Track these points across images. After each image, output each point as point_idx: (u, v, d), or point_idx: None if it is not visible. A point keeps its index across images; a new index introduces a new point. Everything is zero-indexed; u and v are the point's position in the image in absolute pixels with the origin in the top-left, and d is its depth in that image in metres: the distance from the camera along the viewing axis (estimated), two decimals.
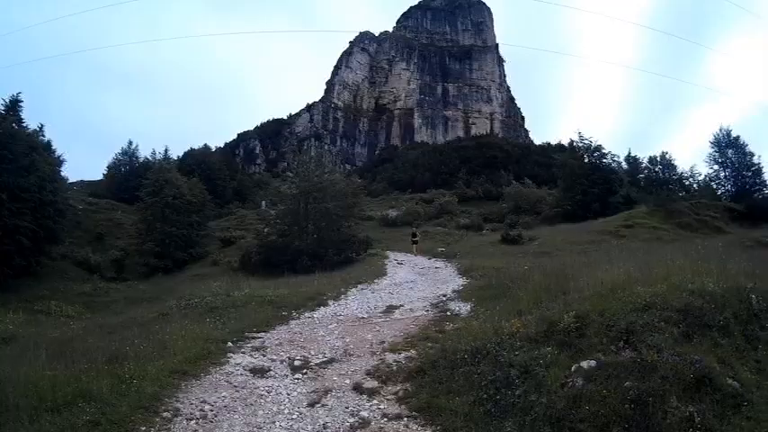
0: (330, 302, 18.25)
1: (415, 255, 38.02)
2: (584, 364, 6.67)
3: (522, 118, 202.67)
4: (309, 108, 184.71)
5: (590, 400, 5.99)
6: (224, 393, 8.55)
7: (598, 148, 63.29)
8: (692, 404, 5.69)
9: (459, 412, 6.93)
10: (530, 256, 28.05)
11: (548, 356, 7.23)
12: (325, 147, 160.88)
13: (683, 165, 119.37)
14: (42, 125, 51.81)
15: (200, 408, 7.84)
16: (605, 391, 6.01)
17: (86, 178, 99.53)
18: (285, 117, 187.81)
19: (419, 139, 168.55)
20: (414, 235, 42.67)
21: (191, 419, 7.43)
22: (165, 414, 7.50)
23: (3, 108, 45.25)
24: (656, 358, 6.29)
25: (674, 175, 60.87)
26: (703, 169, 71.79)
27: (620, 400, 5.84)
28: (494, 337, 8.59)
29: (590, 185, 57.66)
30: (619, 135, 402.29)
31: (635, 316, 7.43)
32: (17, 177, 39.03)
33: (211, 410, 7.83)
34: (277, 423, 7.39)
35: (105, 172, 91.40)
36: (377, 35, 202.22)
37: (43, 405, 7.06)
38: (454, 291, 19.11)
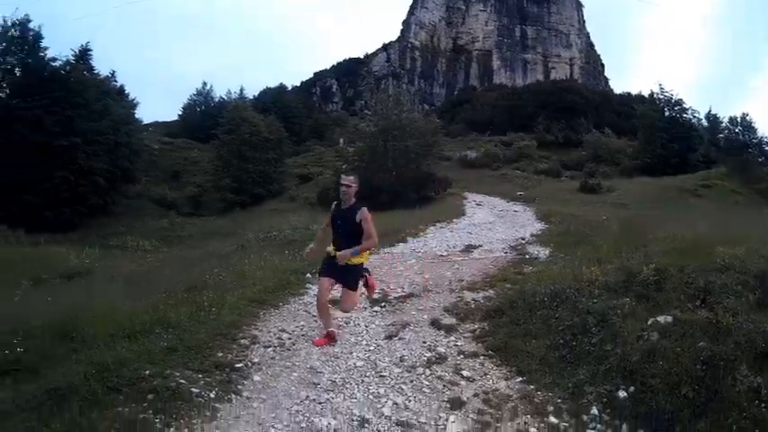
0: (409, 239, 18.47)
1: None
2: (661, 318, 6.61)
3: (602, 65, 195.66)
4: (386, 48, 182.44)
5: (664, 357, 5.91)
6: (302, 323, 8.79)
7: (679, 102, 61.63)
8: (761, 375, 5.52)
9: (535, 355, 6.96)
10: (608, 206, 27.82)
11: (625, 307, 7.18)
12: (403, 86, 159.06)
13: (764, 129, 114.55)
14: (114, 71, 55.45)
15: (278, 336, 8.08)
16: (679, 349, 5.94)
17: (162, 119, 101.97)
18: (361, 56, 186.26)
19: (498, 81, 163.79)
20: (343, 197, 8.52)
21: (268, 347, 7.64)
22: (242, 341, 7.72)
23: (73, 58, 47.14)
24: (731, 322, 6.18)
25: (753, 138, 59.04)
26: None
27: (692, 359, 5.74)
28: (573, 283, 8.54)
29: (669, 140, 56.35)
30: (698, 90, 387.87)
31: (713, 276, 7.35)
32: (91, 122, 41.35)
33: (289, 339, 8.04)
34: (354, 354, 7.55)
35: (180, 113, 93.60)
36: None
37: (120, 333, 7.23)
38: (533, 235, 18.97)
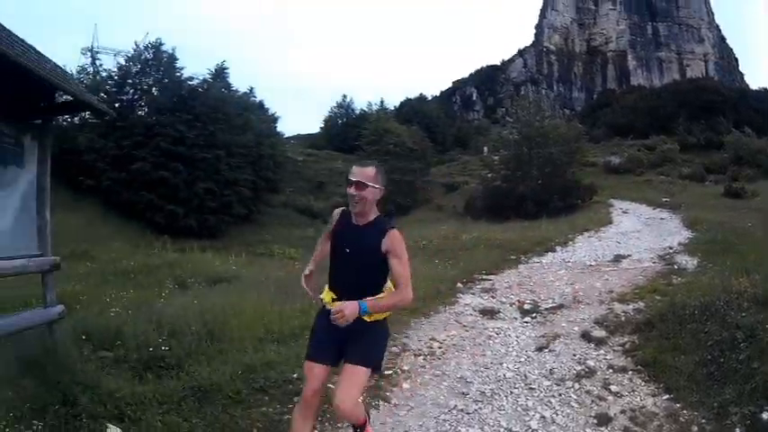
0: (557, 248, 18.43)
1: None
2: None
3: (736, 60, 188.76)
4: (522, 53, 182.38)
5: None
6: (453, 332, 8.78)
7: None
8: None
9: (684, 371, 6.61)
10: (752, 211, 26.74)
11: None
12: (542, 92, 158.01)
13: None
14: (252, 88, 59.38)
15: (428, 345, 8.15)
16: None
17: (303, 132, 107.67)
18: (498, 63, 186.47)
19: (635, 83, 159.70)
20: None
21: (418, 355, 7.73)
22: (393, 349, 7.68)
23: (210, 76, 49.94)
24: None
25: None
26: None
27: None
28: (722, 295, 8.07)
29: None
30: None
31: None
32: (233, 135, 43.68)
33: (440, 348, 8.09)
34: (504, 364, 7.45)
35: (322, 125, 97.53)
36: None
37: (269, 337, 7.47)
38: (680, 243, 18.26)
